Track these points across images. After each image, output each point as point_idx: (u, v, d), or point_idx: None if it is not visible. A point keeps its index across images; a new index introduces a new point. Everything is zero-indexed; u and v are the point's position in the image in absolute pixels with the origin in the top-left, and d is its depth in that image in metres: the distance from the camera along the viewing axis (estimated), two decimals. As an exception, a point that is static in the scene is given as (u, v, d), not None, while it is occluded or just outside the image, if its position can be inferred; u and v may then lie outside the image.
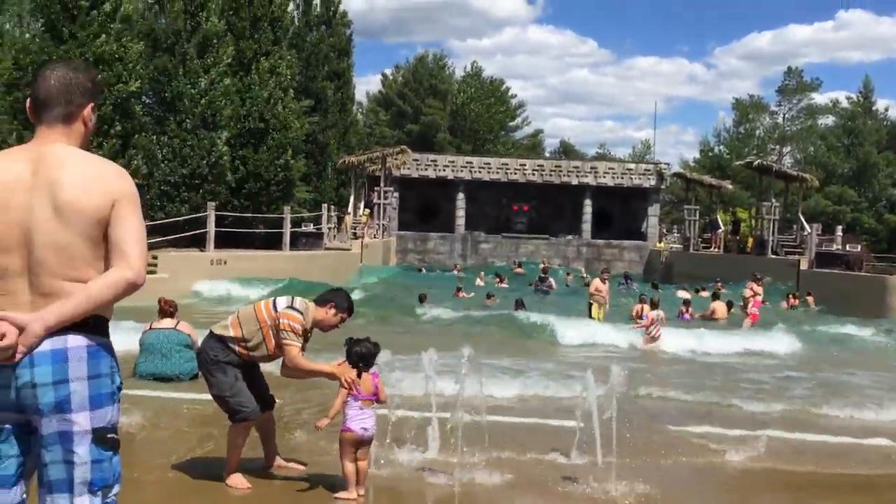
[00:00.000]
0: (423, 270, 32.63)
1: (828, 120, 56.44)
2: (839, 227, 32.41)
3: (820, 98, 61.92)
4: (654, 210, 41.82)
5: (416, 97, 61.89)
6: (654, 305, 14.64)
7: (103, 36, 19.27)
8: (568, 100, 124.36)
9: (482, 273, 30.23)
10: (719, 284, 23.25)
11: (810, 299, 22.62)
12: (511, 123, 66.87)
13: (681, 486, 6.03)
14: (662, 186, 42.01)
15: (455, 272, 31.29)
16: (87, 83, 2.63)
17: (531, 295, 21.75)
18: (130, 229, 2.51)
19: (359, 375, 5.11)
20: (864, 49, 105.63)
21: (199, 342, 9.02)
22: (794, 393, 9.61)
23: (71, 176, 2.47)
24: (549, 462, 6.25)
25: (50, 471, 2.44)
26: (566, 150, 75.31)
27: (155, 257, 17.98)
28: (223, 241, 21.45)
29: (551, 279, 22.67)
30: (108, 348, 2.55)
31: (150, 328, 9.09)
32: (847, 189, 44.13)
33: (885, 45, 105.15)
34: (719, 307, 18.47)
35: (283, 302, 5.33)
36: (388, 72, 68.91)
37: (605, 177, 41.15)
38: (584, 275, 30.88)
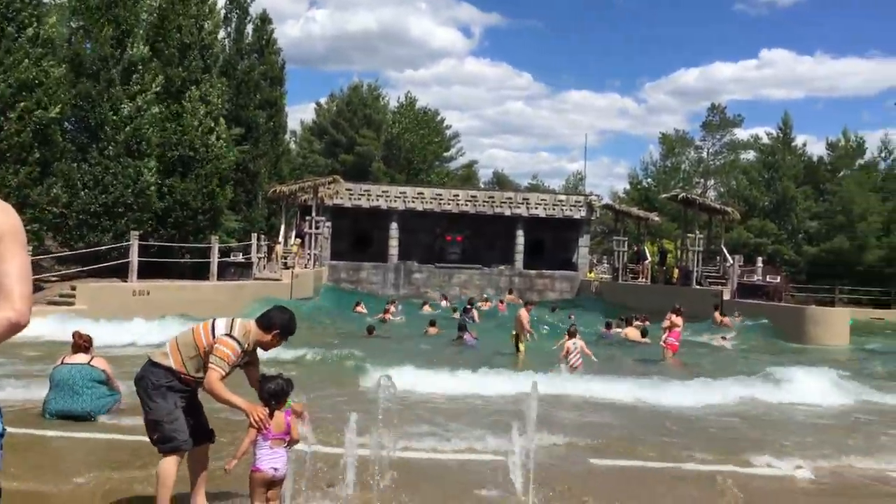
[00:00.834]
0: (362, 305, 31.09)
1: (749, 155, 58.57)
2: (760, 259, 33.53)
3: (742, 133, 64.34)
4: (584, 241, 42.50)
5: (350, 127, 61.83)
6: (571, 335, 14.71)
7: (25, 61, 18.79)
8: (503, 131, 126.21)
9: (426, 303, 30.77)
10: (644, 317, 23.78)
11: (738, 318, 23.74)
12: (446, 154, 67.28)
13: None
14: (593, 218, 42.76)
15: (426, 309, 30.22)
16: None
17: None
18: (14, 266, 2.41)
19: (271, 414, 5.01)
20: (785, 87, 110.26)
21: (115, 379, 8.83)
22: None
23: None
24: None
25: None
26: (500, 181, 76.21)
27: (73, 287, 17.40)
28: (148, 271, 20.94)
29: (475, 311, 22.80)
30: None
31: (62, 363, 8.76)
32: (767, 222, 45.63)
33: (806, 84, 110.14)
34: (631, 332, 21.28)
35: (221, 327, 5.20)
36: (322, 101, 68.83)
37: (537, 208, 41.69)
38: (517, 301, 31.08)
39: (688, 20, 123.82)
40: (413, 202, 41.39)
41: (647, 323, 22.46)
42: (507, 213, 41.50)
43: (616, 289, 36.81)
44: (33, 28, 19.34)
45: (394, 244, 41.05)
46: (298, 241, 33.57)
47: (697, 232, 32.20)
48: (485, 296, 36.06)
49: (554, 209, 41.77)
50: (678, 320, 17.48)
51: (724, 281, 29.51)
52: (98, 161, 21.18)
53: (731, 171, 57.58)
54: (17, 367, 11.72)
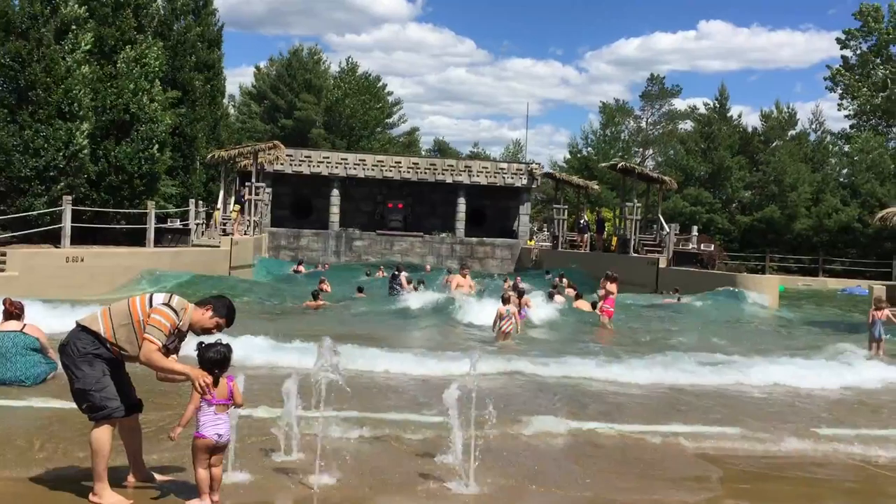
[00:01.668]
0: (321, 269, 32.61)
1: (687, 125, 59.62)
2: (695, 228, 34.36)
3: (680, 104, 65.42)
4: (525, 209, 42.89)
5: (290, 91, 60.86)
6: (504, 301, 14.29)
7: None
8: (445, 98, 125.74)
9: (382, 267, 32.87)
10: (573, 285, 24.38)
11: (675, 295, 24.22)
12: (388, 121, 66.84)
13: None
14: (533, 186, 43.12)
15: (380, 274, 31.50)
16: None
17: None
18: None
19: (215, 382, 5.02)
20: (722, 58, 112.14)
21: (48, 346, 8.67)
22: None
23: None
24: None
25: None
26: (441, 149, 76.08)
27: (3, 254, 16.91)
28: (81, 238, 20.40)
29: (402, 277, 22.89)
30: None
31: (-7, 331, 8.58)
32: (703, 191, 46.63)
33: (742, 55, 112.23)
34: (582, 303, 20.18)
35: (159, 298, 5.17)
36: (261, 65, 67.52)
37: (478, 176, 41.84)
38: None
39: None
40: (354, 169, 41.13)
41: (575, 291, 22.66)
42: (449, 180, 41.56)
43: (555, 256, 37.34)
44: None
45: (335, 211, 40.81)
46: (238, 207, 33.07)
47: (636, 201, 32.80)
48: (428, 266, 36.33)
49: (495, 177, 41.99)
50: (612, 287, 17.80)
51: (660, 249, 30.21)
52: (29, 124, 20.46)
53: (669, 141, 58.60)
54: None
